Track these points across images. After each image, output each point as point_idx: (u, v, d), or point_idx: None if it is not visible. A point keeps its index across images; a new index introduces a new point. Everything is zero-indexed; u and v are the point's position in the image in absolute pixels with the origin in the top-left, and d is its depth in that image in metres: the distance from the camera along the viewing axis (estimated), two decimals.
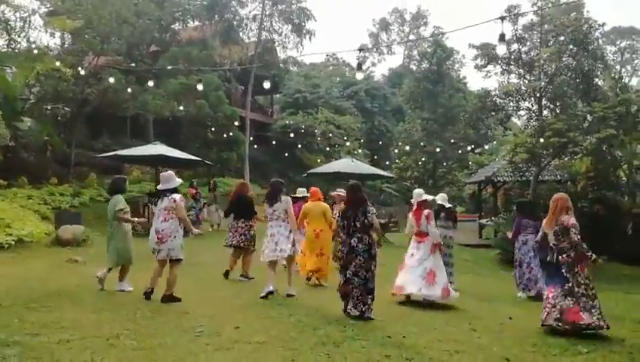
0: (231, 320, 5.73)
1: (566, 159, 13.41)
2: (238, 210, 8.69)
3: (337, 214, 10.07)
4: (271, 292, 7.00)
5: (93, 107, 18.98)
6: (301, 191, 10.13)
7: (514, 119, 13.60)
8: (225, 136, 25.49)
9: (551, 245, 6.19)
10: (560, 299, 6.00)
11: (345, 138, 28.39)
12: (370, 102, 34.52)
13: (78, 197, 17.18)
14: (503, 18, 8.12)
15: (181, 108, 22.06)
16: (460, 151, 23.94)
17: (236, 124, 25.84)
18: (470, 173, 27.04)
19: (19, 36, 11.47)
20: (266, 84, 19.26)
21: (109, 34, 16.84)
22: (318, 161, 35.77)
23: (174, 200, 6.57)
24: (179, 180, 6.98)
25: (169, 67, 19.88)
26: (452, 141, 23.06)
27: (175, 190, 6.78)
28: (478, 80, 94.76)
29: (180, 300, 6.52)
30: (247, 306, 6.58)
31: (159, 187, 6.81)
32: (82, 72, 14.26)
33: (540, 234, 6.49)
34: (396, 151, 29.61)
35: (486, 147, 27.67)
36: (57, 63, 12.38)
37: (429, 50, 24.34)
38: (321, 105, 31.00)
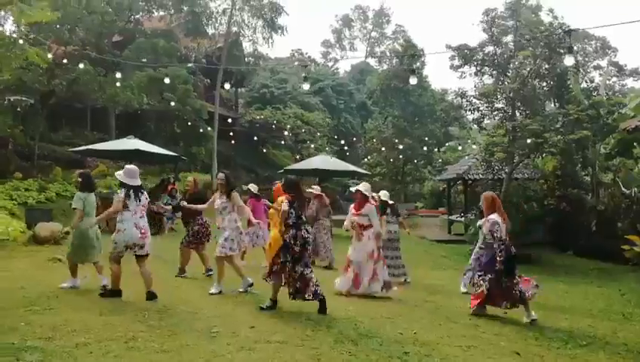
0: (242, 319, 5.72)
1: (536, 159, 13.96)
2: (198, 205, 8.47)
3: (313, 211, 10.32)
4: (251, 285, 7.13)
5: (58, 98, 18.22)
6: (254, 188, 10.21)
7: (487, 120, 13.98)
8: (192, 130, 25.05)
9: (504, 239, 6.62)
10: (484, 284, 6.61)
11: (314, 134, 28.43)
12: (335, 99, 34.69)
13: (44, 192, 16.55)
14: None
15: (148, 101, 21.47)
16: (425, 149, 24.43)
17: (204, 118, 25.43)
18: (438, 169, 27.70)
19: None
20: (231, 79, 18.95)
21: (77, 23, 16.21)
22: (283, 157, 35.80)
23: (147, 198, 6.72)
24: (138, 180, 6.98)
25: (143, 60, 19.30)
26: (421, 139, 23.52)
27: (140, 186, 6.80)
28: (442, 79, 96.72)
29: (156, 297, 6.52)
30: (251, 304, 6.56)
31: (133, 183, 6.61)
32: (46, 64, 13.58)
33: (496, 229, 6.72)
34: (364, 146, 29.90)
35: (447, 144, 28.41)
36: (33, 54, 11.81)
37: (399, 48, 24.68)
38: (289, 101, 30.90)
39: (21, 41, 11.66)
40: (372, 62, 59.51)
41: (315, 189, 10.70)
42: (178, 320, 5.54)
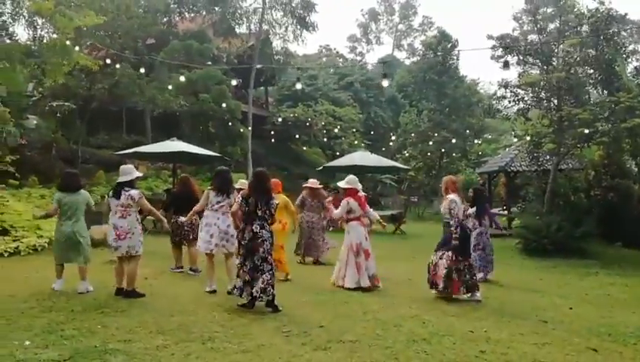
0: (310, 318, 5.75)
1: (584, 149, 13.63)
2: (186, 204, 8.27)
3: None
4: (214, 291, 6.88)
5: (99, 103, 18.62)
6: (242, 183, 9.66)
7: (531, 110, 13.67)
8: (227, 130, 25.26)
9: (461, 220, 7.03)
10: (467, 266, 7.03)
11: (346, 130, 28.35)
12: (365, 93, 34.48)
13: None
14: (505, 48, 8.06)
15: (184, 102, 21.76)
16: (461, 142, 24.07)
17: (238, 118, 25.62)
18: (474, 162, 27.28)
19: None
20: (261, 78, 19.02)
21: (116, 28, 16.53)
22: (314, 154, 35.79)
23: (132, 198, 6.51)
24: (138, 173, 6.94)
25: (179, 62, 19.52)
26: (458, 131, 23.21)
27: (132, 185, 6.69)
28: (474, 69, 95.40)
29: (144, 295, 6.54)
30: (316, 303, 6.59)
31: (118, 180, 6.69)
32: (97, 67, 13.90)
33: (462, 209, 7.20)
34: (397, 140, 29.67)
35: (484, 136, 27.99)
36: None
37: (433, 40, 24.38)
38: (319, 98, 30.85)
39: (76, 48, 11.92)
40: (399, 55, 59.22)
41: (311, 183, 10.55)
42: (248, 320, 5.60)
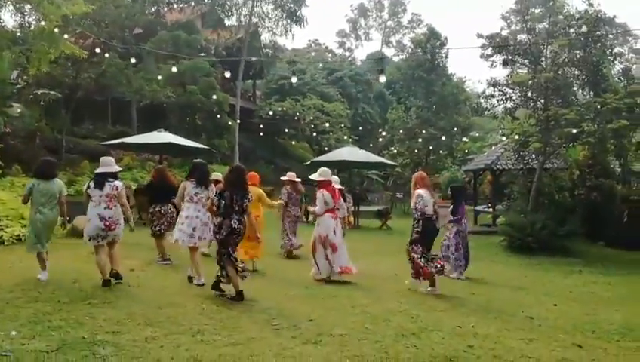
0: (299, 311, 5.76)
1: (569, 149, 13.80)
2: (163, 195, 8.54)
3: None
4: (202, 284, 6.84)
5: (85, 92, 18.35)
6: (216, 176, 9.63)
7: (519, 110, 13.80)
8: (214, 122, 25.10)
9: (430, 214, 7.17)
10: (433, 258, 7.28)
11: (333, 125, 28.33)
12: (354, 89, 34.47)
13: (73, 185, 16.68)
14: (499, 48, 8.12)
15: (171, 94, 21.56)
16: (448, 139, 24.19)
17: (226, 110, 25.47)
18: (460, 160, 27.46)
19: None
20: (250, 71, 18.91)
21: (104, 17, 16.28)
22: (301, 148, 35.72)
23: (116, 188, 6.62)
24: (118, 167, 7.06)
25: (167, 52, 19.30)
26: (445, 129, 23.33)
27: (115, 175, 6.79)
28: (460, 68, 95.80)
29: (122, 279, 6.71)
30: (305, 296, 6.60)
31: (98, 170, 6.74)
32: (84, 56, 13.69)
33: (421, 203, 7.21)
34: (382, 136, 29.77)
35: (470, 134, 28.21)
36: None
37: (422, 37, 24.43)
38: (307, 92, 30.78)
39: (66, 36, 11.70)
40: (387, 51, 59.27)
41: (289, 175, 10.53)
42: (237, 313, 5.59)
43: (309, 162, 18.42)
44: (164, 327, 4.94)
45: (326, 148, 27.71)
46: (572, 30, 12.07)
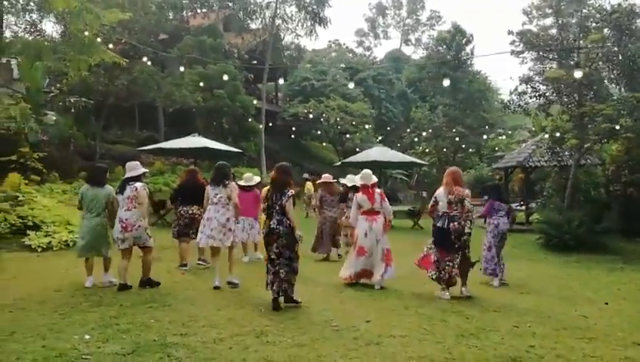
0: (354, 313, 5.84)
1: (605, 145, 13.65)
2: (191, 196, 8.47)
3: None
4: (217, 287, 6.84)
5: (116, 99, 18.72)
6: (247, 179, 9.60)
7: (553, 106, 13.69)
8: (240, 126, 25.34)
9: (443, 212, 6.82)
10: (448, 263, 6.79)
11: (358, 125, 28.36)
12: (376, 89, 34.43)
13: None
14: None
15: (200, 98, 21.84)
16: (476, 137, 24.01)
17: (252, 113, 25.69)
18: (488, 157, 27.26)
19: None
20: (274, 73, 18.96)
21: (134, 24, 16.58)
22: (324, 149, 35.79)
23: (136, 189, 6.62)
24: (143, 169, 7.07)
25: (195, 57, 19.55)
26: (472, 127, 23.16)
27: (139, 178, 6.82)
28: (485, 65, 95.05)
29: (159, 284, 6.76)
30: (357, 298, 6.67)
31: (125, 176, 6.83)
32: (124, 63, 14.01)
33: (431, 202, 7.12)
34: (409, 135, 29.71)
35: (499, 130, 28.01)
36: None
37: (447, 35, 24.28)
38: (330, 93, 30.87)
39: (108, 45, 11.97)
40: (406, 49, 59.08)
41: (325, 177, 10.36)
42: (295, 314, 5.69)
43: (339, 163, 18.49)
44: (227, 329, 5.07)
45: (356, 150, 27.74)
46: (605, 24, 11.90)
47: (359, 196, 7.69)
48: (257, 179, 9.67)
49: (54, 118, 17.21)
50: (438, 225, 6.86)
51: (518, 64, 14.33)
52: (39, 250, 9.67)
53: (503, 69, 71.81)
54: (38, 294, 6.32)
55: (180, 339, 4.72)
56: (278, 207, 5.99)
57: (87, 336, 4.73)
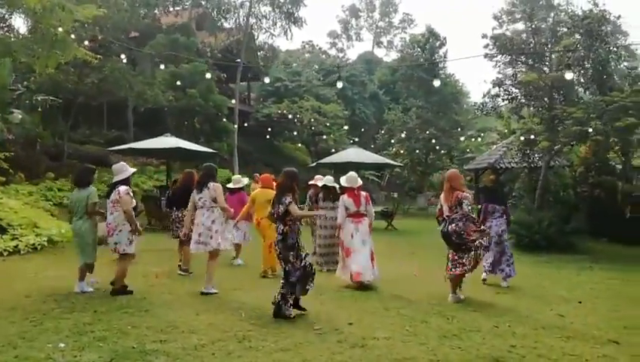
0: (335, 316, 5.80)
1: (575, 147, 13.99)
2: (185, 200, 7.97)
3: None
4: (206, 293, 6.70)
5: (86, 97, 18.23)
6: (236, 181, 9.52)
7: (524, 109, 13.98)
8: (213, 126, 25.02)
9: (444, 216, 6.91)
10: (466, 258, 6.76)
11: (332, 126, 28.40)
12: (350, 90, 34.56)
13: None
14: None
15: (172, 97, 21.49)
16: (448, 139, 24.33)
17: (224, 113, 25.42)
18: (458, 159, 27.63)
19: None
20: (247, 73, 18.75)
21: (106, 21, 16.18)
22: (297, 150, 35.66)
23: (119, 193, 6.45)
24: (131, 169, 6.90)
25: (167, 54, 19.18)
26: (444, 129, 23.45)
27: (127, 181, 6.69)
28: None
29: (131, 292, 6.54)
30: (329, 301, 6.64)
31: (113, 180, 6.69)
32: (96, 60, 13.63)
33: (437, 207, 7.27)
34: (382, 137, 29.93)
35: (469, 133, 28.47)
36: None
37: (421, 37, 24.53)
38: (304, 94, 30.82)
39: (73, 37, 11.57)
40: (378, 51, 59.54)
41: (316, 179, 9.87)
42: (278, 319, 5.59)
43: (313, 164, 18.44)
44: (208, 334, 4.96)
45: (331, 151, 27.70)
46: (577, 29, 12.21)
47: (345, 199, 7.74)
48: (245, 181, 9.55)
49: (20, 116, 16.63)
50: (442, 229, 6.92)
51: (491, 67, 14.50)
52: (5, 253, 9.30)
53: (471, 73, 73.12)
54: (7, 300, 6.08)
55: (160, 346, 4.59)
56: (275, 215, 5.84)
57: (61, 344, 4.56)
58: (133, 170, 7.13)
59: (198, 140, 24.76)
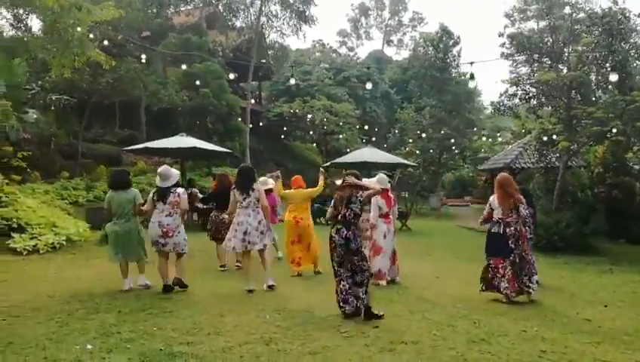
0: (360, 319, 5.70)
1: (593, 147, 13.83)
2: (224, 201, 8.23)
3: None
4: (252, 290, 6.85)
5: (100, 97, 18.30)
6: (263, 183, 9.42)
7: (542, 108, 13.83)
8: (225, 125, 25.04)
9: (497, 219, 6.93)
10: (508, 269, 6.78)
11: (344, 126, 28.31)
12: (361, 89, 34.43)
13: (91, 190, 16.69)
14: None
15: (186, 97, 21.53)
16: (461, 138, 24.14)
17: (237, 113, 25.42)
18: (471, 158, 27.50)
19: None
20: (258, 72, 18.73)
21: (121, 21, 16.23)
22: (308, 150, 35.62)
23: (179, 195, 6.73)
24: (177, 172, 7.15)
25: (181, 54, 19.20)
26: (460, 128, 23.28)
27: (177, 183, 6.91)
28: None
29: (187, 286, 6.79)
30: None
31: (163, 184, 6.76)
32: (113, 63, 13.68)
33: (487, 209, 7.23)
34: (394, 136, 29.78)
35: (483, 132, 28.29)
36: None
37: (434, 35, 24.35)
38: (315, 93, 30.74)
39: (91, 37, 11.59)
40: (388, 50, 59.34)
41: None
42: (301, 320, 5.56)
43: (328, 164, 18.39)
44: (234, 336, 4.92)
45: (342, 150, 27.57)
46: (596, 28, 12.05)
47: (379, 200, 7.79)
48: (272, 182, 9.53)
49: (35, 115, 16.76)
50: (493, 230, 7.01)
51: (508, 66, 14.35)
52: (25, 253, 9.34)
53: (483, 71, 72.64)
54: (31, 300, 6.09)
55: (188, 349, 4.56)
56: (340, 217, 5.83)
57: (89, 346, 4.54)
58: (177, 171, 7.33)
59: (210, 140, 24.78)
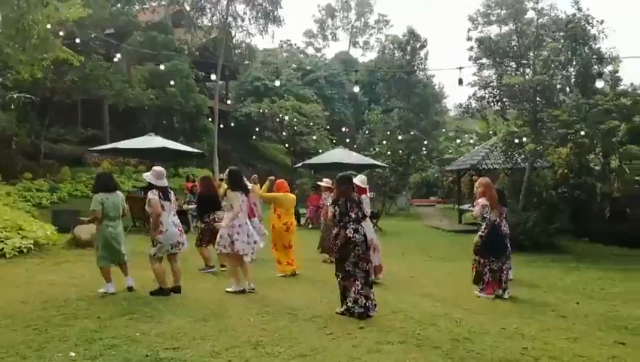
0: (344, 319, 5.73)
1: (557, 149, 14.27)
2: (213, 205, 8.53)
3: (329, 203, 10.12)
4: (252, 289, 6.99)
5: (63, 95, 17.72)
6: (327, 182, 10.03)
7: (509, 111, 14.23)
8: (192, 125, 24.67)
9: (495, 220, 7.39)
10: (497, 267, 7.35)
11: (312, 126, 28.32)
12: (329, 90, 34.57)
13: (55, 192, 16.17)
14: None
15: (152, 96, 21.09)
16: (428, 140, 24.55)
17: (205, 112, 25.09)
18: (438, 159, 27.93)
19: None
20: (224, 71, 18.57)
21: (86, 19, 15.72)
22: (275, 150, 35.46)
23: (176, 197, 7.02)
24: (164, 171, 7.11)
25: (146, 52, 18.79)
26: (427, 129, 23.66)
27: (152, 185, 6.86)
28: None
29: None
30: (335, 303, 6.58)
31: (161, 183, 6.71)
32: (79, 63, 13.26)
33: (482, 211, 7.50)
34: (362, 138, 29.99)
35: (448, 134, 28.80)
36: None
37: (402, 38, 24.63)
38: (283, 93, 30.66)
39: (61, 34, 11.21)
40: (354, 51, 59.72)
41: (326, 182, 10.41)
42: (286, 322, 5.54)
43: (300, 164, 18.35)
44: (220, 341, 4.86)
45: (312, 151, 27.54)
46: (561, 34, 12.46)
47: (364, 198, 7.78)
48: (249, 184, 9.49)
49: None
50: (499, 232, 7.44)
51: (475, 69, 14.69)
52: None
53: (448, 74, 73.98)
54: (3, 307, 5.86)
55: (174, 354, 4.48)
56: (353, 215, 5.94)
57: (72, 354, 4.40)
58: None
59: (177, 140, 24.40)
